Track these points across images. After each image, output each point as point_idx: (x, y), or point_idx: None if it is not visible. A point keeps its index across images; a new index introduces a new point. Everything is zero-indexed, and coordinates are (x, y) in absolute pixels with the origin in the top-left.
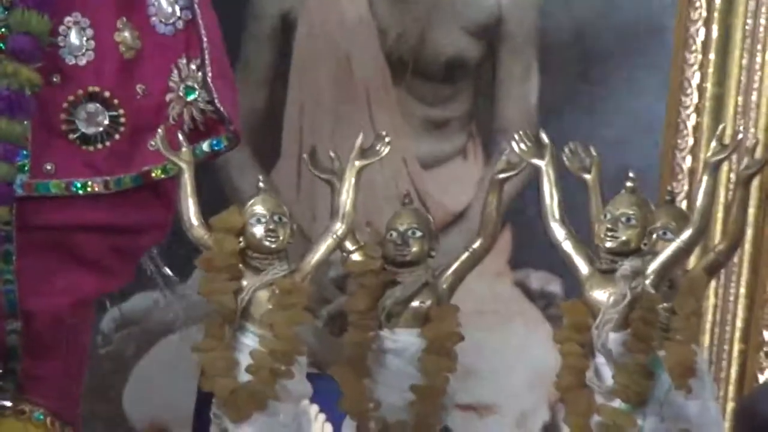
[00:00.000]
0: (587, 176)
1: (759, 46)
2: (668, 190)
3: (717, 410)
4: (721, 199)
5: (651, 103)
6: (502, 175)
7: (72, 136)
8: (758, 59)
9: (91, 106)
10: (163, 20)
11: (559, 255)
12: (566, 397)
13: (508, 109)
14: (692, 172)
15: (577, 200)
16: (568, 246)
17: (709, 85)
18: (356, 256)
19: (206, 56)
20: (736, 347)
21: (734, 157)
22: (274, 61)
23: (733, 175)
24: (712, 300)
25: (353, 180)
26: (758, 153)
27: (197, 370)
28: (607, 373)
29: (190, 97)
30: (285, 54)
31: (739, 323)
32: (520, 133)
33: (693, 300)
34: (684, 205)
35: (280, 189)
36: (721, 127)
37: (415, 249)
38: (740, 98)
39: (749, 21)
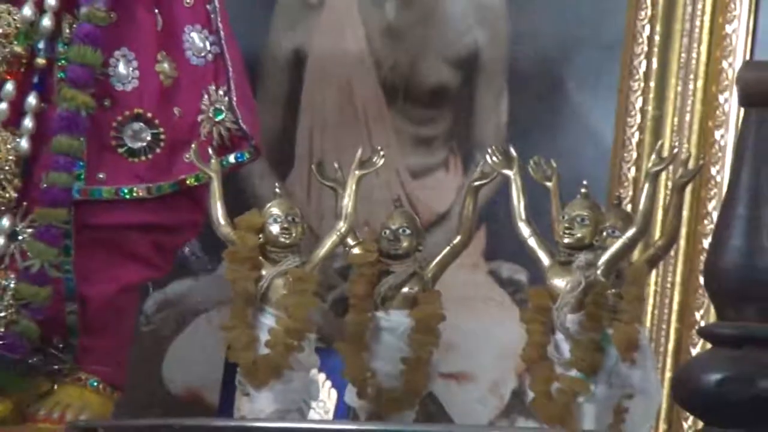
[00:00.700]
0: (548, 184)
1: (691, 76)
2: (616, 195)
3: (657, 378)
4: (660, 203)
5: (602, 123)
6: (477, 183)
7: (120, 150)
8: (691, 86)
9: (136, 125)
10: (195, 53)
11: (526, 249)
12: (531, 368)
13: (482, 128)
14: (636, 180)
15: (541, 204)
16: (532, 242)
17: (650, 108)
18: (356, 250)
19: (231, 84)
20: (673, 326)
21: (671, 168)
22: (288, 88)
23: (670, 183)
24: (652, 287)
25: (354, 187)
26: (691, 164)
27: (224, 345)
28: (565, 347)
29: (219, 118)
30: (297, 82)
31: (675, 306)
32: (493, 148)
33: (636, 287)
34: (629, 208)
35: (293, 194)
36: (659, 143)
37: (405, 244)
38: (676, 119)
39: (683, 55)
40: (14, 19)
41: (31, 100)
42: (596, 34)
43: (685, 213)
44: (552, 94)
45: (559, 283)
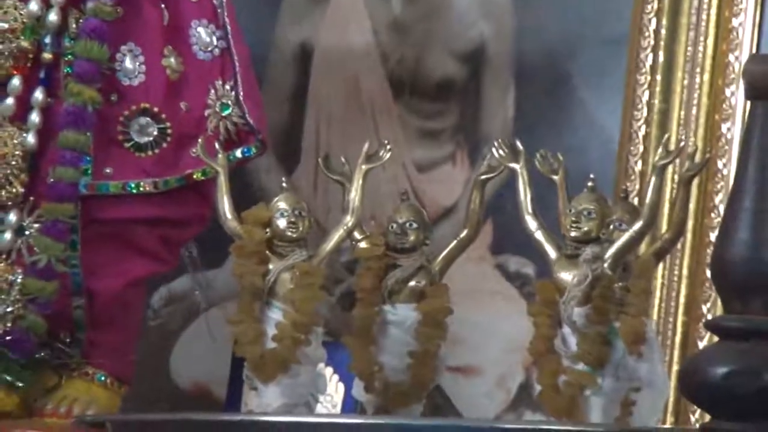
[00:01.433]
0: (555, 177)
1: (698, 69)
2: (623, 188)
3: (664, 371)
4: (667, 196)
5: (608, 117)
6: (484, 177)
7: (127, 145)
8: (697, 80)
9: (143, 120)
10: (202, 48)
11: (532, 242)
12: (538, 361)
13: (489, 122)
14: (643, 174)
15: (547, 197)
16: (539, 235)
17: (656, 102)
18: (363, 244)
19: (238, 78)
20: (680, 319)
21: (677, 162)
22: (295, 82)
23: (676, 177)
24: (659, 280)
25: (360, 181)
26: (697, 158)
27: (232, 339)
28: (572, 341)
29: (225, 113)
30: (303, 76)
31: (682, 299)
32: (499, 141)
33: (643, 280)
34: (636, 201)
35: (300, 188)
36: (666, 136)
37: (412, 238)
38: (682, 112)
39: (690, 48)
40: (20, 14)
41: (38, 95)
42: (602, 28)
43: (691, 206)
44: (558, 88)
45: (566, 276)
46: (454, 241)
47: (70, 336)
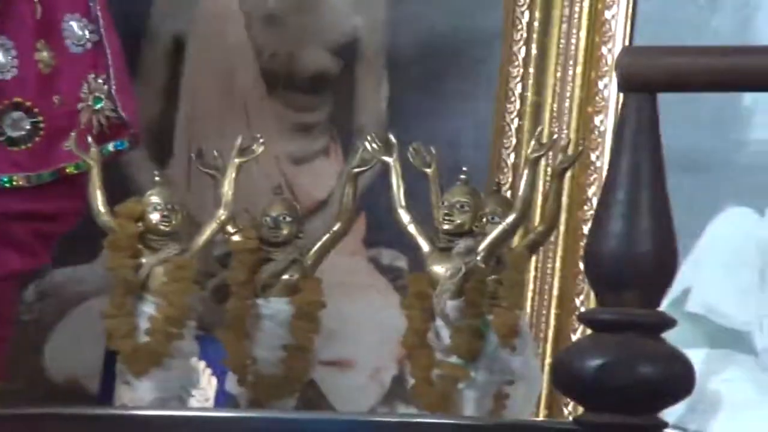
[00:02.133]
0: (428, 170)
1: (571, 62)
2: (495, 181)
3: (537, 364)
4: (540, 189)
5: (481, 109)
6: (356, 170)
7: (0, 139)
8: (570, 73)
9: (16, 114)
10: (74, 42)
11: (405, 236)
12: (411, 355)
13: (362, 115)
14: (515, 166)
15: (420, 190)
16: (412, 228)
17: (529, 94)
18: (236, 238)
19: (111, 72)
20: (553, 312)
21: (551, 154)
22: (168, 75)
23: (549, 169)
24: (532, 273)
25: (233, 175)
26: (570, 150)
27: (105, 333)
28: (445, 333)
29: (98, 106)
30: (176, 70)
31: (555, 292)
32: (372, 135)
33: (516, 273)
34: (509, 194)
35: (173, 182)
36: (539, 129)
37: (285, 232)
38: (555, 105)
39: (563, 41)
40: None
41: None
42: (476, 20)
43: (564, 199)
44: (432, 80)
45: (439, 269)
46: (327, 235)
47: None
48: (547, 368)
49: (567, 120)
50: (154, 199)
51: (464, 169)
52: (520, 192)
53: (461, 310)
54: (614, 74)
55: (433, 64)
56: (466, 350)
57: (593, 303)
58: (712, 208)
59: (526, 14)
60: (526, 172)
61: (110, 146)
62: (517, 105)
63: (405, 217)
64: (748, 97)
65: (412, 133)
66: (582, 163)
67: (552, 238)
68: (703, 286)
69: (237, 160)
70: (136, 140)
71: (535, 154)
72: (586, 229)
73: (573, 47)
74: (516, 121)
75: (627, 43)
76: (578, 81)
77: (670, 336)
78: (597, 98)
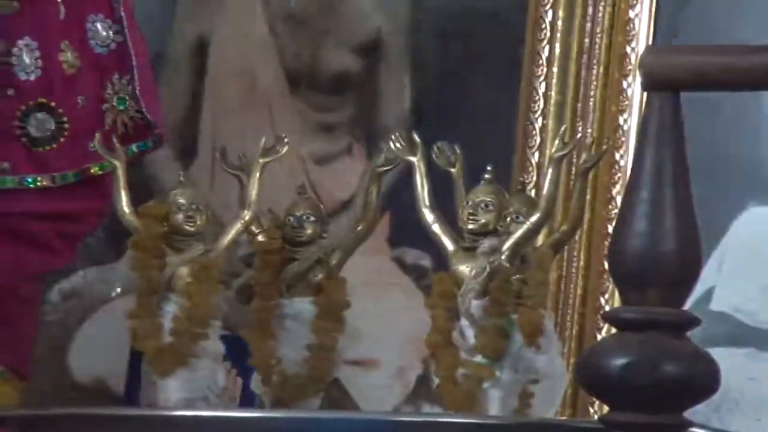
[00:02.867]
0: (452, 170)
1: (594, 61)
2: (520, 180)
3: (561, 363)
4: (564, 188)
5: (505, 109)
6: (380, 169)
7: (24, 140)
8: (594, 72)
9: (40, 115)
10: (99, 42)
11: (429, 235)
12: (436, 354)
13: (386, 115)
14: (540, 166)
15: (444, 190)
16: (436, 228)
17: (553, 94)
18: (260, 238)
19: (135, 72)
20: (577, 311)
21: (575, 154)
22: (192, 75)
23: (574, 169)
24: (557, 272)
25: (257, 175)
26: (594, 150)
27: (130, 333)
28: (470, 333)
29: (122, 107)
30: (200, 69)
31: (579, 291)
32: (396, 134)
33: (541, 272)
34: (533, 193)
35: (197, 182)
36: (563, 128)
37: (309, 231)
38: (578, 104)
39: (586, 41)
40: None
41: None
42: (499, 20)
43: (589, 198)
44: (455, 80)
45: (464, 268)
46: (352, 234)
47: None
48: (571, 367)
49: (591, 119)
50: (179, 199)
51: (488, 168)
52: (544, 191)
53: (486, 310)
54: (638, 73)
55: (456, 65)
56: (491, 350)
57: (617, 302)
58: (735, 207)
59: (550, 14)
60: (550, 171)
61: (134, 147)
62: (541, 104)
63: (429, 216)
64: None
65: (435, 132)
66: (606, 162)
67: (576, 238)
68: (727, 285)
69: (261, 161)
70: (160, 140)
71: (559, 154)
72: (610, 228)
73: (597, 46)
74: (540, 120)
75: (650, 42)
76: (602, 80)
77: (694, 335)
78: (621, 97)
